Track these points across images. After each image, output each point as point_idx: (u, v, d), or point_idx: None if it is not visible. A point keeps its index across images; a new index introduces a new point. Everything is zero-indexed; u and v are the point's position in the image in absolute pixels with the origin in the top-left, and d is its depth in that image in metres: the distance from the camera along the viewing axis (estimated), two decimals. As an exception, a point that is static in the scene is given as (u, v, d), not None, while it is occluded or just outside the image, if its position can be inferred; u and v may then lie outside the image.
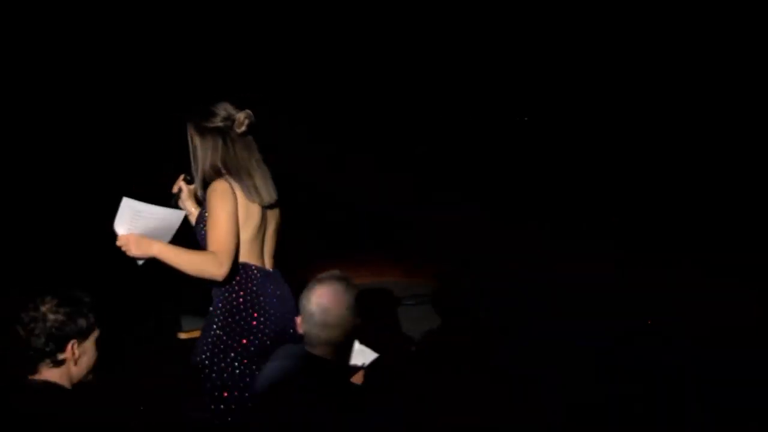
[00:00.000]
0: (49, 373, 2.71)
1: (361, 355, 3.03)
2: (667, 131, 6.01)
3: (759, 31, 5.55)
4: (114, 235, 3.27)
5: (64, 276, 5.75)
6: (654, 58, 5.92)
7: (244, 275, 3.22)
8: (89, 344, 2.74)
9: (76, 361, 2.72)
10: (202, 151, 3.28)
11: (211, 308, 3.27)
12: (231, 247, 3.13)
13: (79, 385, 2.76)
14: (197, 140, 3.30)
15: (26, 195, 5.84)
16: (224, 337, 3.18)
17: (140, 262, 3.23)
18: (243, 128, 3.22)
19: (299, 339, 3.02)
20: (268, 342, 3.15)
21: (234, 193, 3.19)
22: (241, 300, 3.20)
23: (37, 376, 2.72)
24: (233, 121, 3.25)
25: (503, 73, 6.21)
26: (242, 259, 3.22)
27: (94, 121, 6.00)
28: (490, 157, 6.38)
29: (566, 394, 5.60)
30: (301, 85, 6.22)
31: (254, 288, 3.22)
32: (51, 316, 2.69)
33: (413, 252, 6.28)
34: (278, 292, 3.25)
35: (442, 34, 6.13)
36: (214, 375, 3.15)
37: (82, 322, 2.71)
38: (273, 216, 3.29)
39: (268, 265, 3.29)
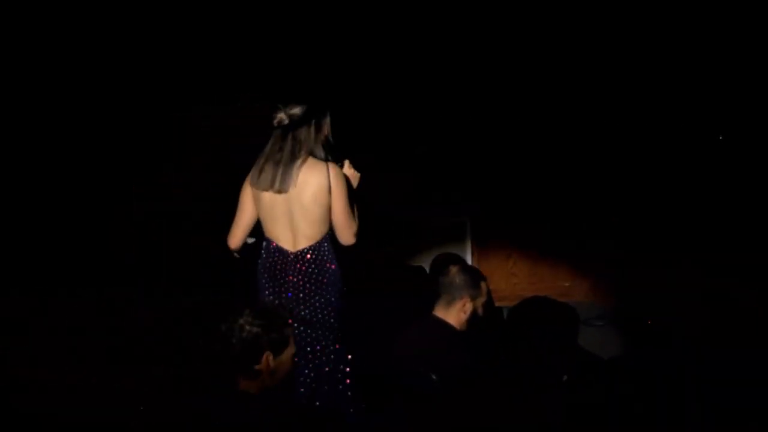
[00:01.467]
0: (247, 384, 2.81)
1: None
2: (666, 131, 6.01)
3: (759, 31, 5.55)
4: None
5: (64, 276, 5.76)
6: (654, 58, 5.92)
7: (264, 248, 3.71)
8: (285, 358, 2.85)
9: (271, 373, 2.81)
10: None
11: None
12: (235, 217, 3.73)
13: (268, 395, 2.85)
14: None
15: (27, 195, 5.84)
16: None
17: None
18: (273, 123, 3.64)
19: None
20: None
21: (249, 176, 3.69)
22: (258, 266, 3.71)
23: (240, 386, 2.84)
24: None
25: (503, 73, 6.21)
26: (265, 234, 3.71)
27: (94, 121, 6.00)
28: (491, 157, 6.38)
29: (566, 394, 5.59)
30: (300, 85, 6.22)
31: (265, 259, 3.69)
32: (247, 328, 2.79)
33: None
34: (281, 268, 3.65)
35: (442, 33, 6.13)
36: None
37: (275, 336, 2.81)
38: (297, 202, 3.59)
39: (297, 245, 3.63)
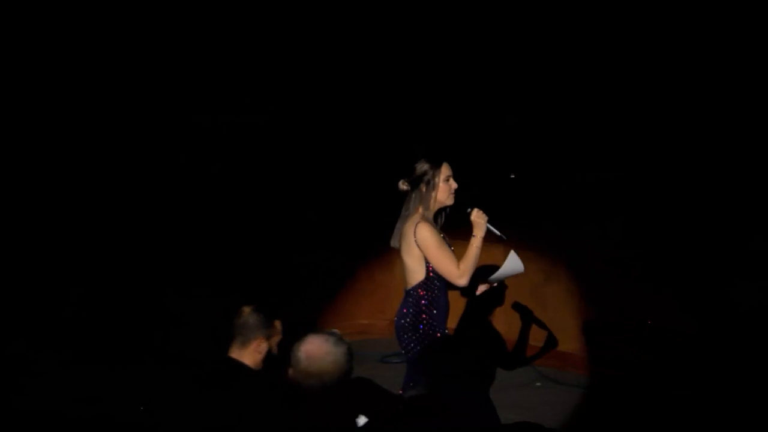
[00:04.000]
0: None
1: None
2: (666, 130, 6.02)
3: (759, 31, 5.56)
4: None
5: (64, 275, 5.77)
6: (651, 57, 5.93)
7: None
8: None
9: None
10: None
11: None
12: None
13: None
14: None
15: (29, 196, 5.85)
16: None
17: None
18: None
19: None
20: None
21: None
22: None
23: None
24: None
25: (502, 73, 6.22)
26: None
27: (95, 122, 6.01)
28: (490, 157, 6.39)
29: (564, 392, 5.61)
30: (300, 86, 6.23)
31: None
32: None
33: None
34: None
35: (442, 33, 6.14)
36: None
37: None
38: (400, 254, 4.24)
39: (406, 286, 4.27)
